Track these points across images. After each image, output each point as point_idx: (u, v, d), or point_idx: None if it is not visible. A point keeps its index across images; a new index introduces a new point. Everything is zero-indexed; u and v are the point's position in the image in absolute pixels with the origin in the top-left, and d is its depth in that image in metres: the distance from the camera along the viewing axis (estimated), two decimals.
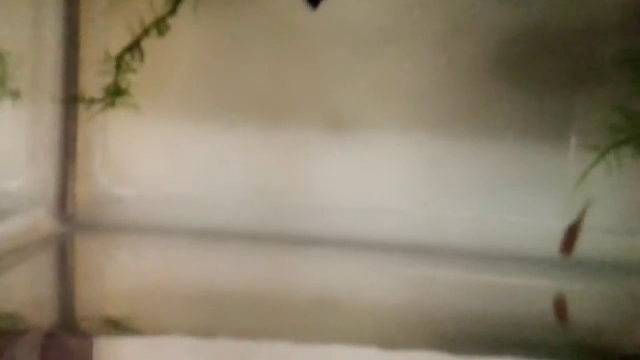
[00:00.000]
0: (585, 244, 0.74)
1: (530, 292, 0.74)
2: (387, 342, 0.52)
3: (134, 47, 0.72)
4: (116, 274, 0.76)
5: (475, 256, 0.77)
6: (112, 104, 0.74)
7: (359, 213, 0.80)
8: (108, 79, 0.74)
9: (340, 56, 0.79)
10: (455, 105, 0.78)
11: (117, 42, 0.74)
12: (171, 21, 0.72)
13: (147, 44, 0.73)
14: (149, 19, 0.72)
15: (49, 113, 0.78)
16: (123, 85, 0.74)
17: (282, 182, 0.81)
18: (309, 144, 0.81)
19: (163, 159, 0.81)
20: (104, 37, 0.77)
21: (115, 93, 0.74)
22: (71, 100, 0.77)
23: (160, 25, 0.71)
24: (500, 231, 0.78)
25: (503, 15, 0.75)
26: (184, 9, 0.72)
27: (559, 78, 0.77)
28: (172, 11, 0.70)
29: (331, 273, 0.77)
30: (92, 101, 0.74)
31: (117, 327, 0.53)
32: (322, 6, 0.71)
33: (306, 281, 0.75)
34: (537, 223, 0.77)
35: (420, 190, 0.79)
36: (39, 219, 0.77)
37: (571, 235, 0.74)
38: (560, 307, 0.73)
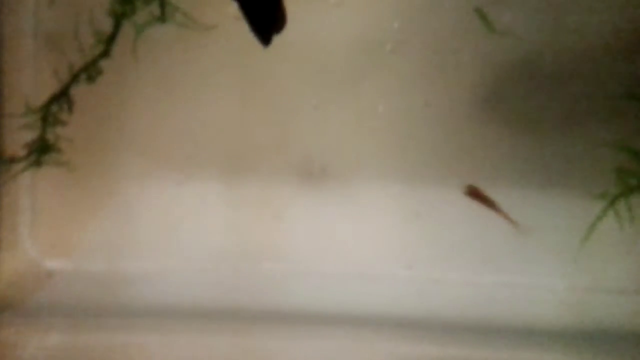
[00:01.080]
0: (596, 309, 0.64)
1: None
2: None
3: (62, 96, 0.62)
4: None
5: (469, 327, 0.66)
6: (38, 163, 0.63)
7: (334, 280, 0.68)
8: (33, 134, 0.63)
9: (308, 97, 0.69)
10: (438, 151, 0.68)
11: (44, 91, 0.64)
12: (105, 64, 0.62)
13: (78, 92, 0.63)
14: (79, 64, 0.62)
15: None
16: (51, 140, 0.63)
17: (246, 246, 0.70)
18: (275, 198, 0.70)
19: (103, 224, 0.69)
20: (30, 86, 0.66)
21: (41, 150, 0.62)
22: None
23: (90, 70, 0.60)
24: (497, 296, 0.67)
25: (489, 47, 0.66)
26: (119, 50, 0.62)
27: (554, 117, 0.67)
28: (105, 53, 0.60)
29: (305, 353, 0.65)
30: (14, 159, 0.63)
31: None
32: (286, 42, 0.61)
33: None
34: (539, 285, 0.66)
35: (402, 251, 0.69)
36: None
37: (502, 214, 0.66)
38: None
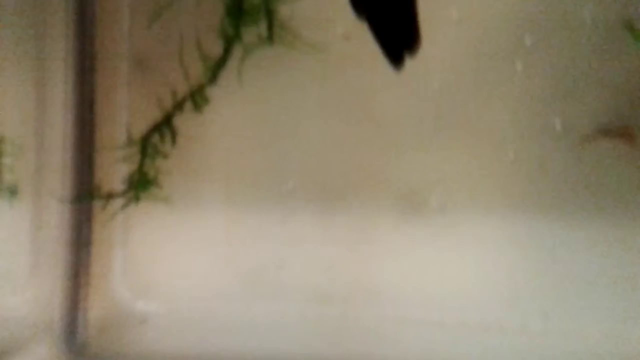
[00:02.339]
0: None
1: None
2: None
3: (164, 125, 0.56)
4: None
5: None
6: (136, 199, 0.58)
7: (452, 332, 0.61)
8: (131, 167, 0.58)
9: (422, 126, 0.62)
10: (574, 182, 0.60)
11: (142, 120, 0.58)
12: (210, 92, 0.56)
13: (180, 121, 0.57)
14: (182, 90, 0.56)
15: (55, 213, 0.61)
16: (150, 174, 0.57)
17: (349, 289, 0.63)
18: (377, 237, 0.63)
19: (201, 264, 0.63)
20: (126, 115, 0.61)
21: (140, 185, 0.57)
22: (84, 196, 0.60)
23: (197, 98, 0.55)
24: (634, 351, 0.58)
25: (634, 64, 0.58)
26: (225, 77, 0.56)
27: None
28: (212, 79, 0.54)
29: None
30: (110, 196, 0.58)
31: None
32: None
33: None
34: None
35: (535, 298, 0.61)
36: (41, 353, 0.59)
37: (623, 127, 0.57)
38: None
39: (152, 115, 0.58)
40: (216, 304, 0.63)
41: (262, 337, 0.62)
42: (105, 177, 0.61)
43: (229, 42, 0.53)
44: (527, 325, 0.60)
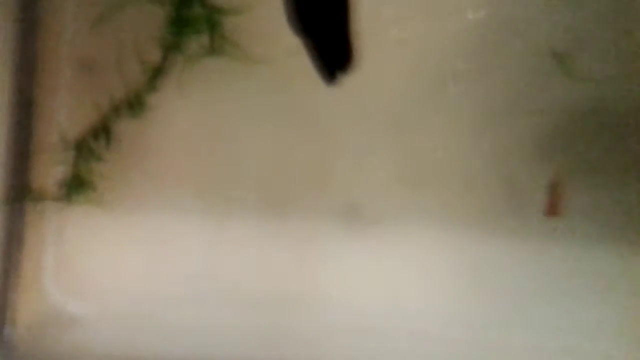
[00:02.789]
0: None
1: None
2: None
3: (101, 129, 0.57)
4: None
5: None
6: (69, 201, 0.58)
7: (381, 338, 0.63)
8: (67, 170, 0.58)
9: (361, 139, 0.64)
10: (501, 199, 0.63)
11: (81, 123, 0.59)
12: (152, 99, 0.57)
13: (120, 126, 0.58)
14: (121, 95, 0.57)
15: None
16: (85, 176, 0.58)
17: (288, 297, 0.64)
18: (316, 245, 0.64)
19: (135, 266, 0.64)
20: (65, 117, 0.61)
21: (73, 187, 0.57)
22: (17, 195, 0.60)
23: (134, 104, 0.55)
24: None
25: (563, 93, 0.61)
26: (168, 85, 0.57)
27: (617, 169, 0.62)
28: (151, 86, 0.55)
29: None
30: (43, 197, 0.58)
31: None
32: (342, 82, 0.56)
33: None
34: (608, 354, 0.60)
35: (460, 308, 0.63)
36: None
37: (554, 193, 0.60)
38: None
39: (91, 118, 0.59)
40: (148, 306, 0.63)
41: (193, 341, 0.63)
42: (40, 178, 0.61)
43: (168, 50, 0.54)
44: (451, 334, 0.62)
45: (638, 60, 0.60)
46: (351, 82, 0.61)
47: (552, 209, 0.62)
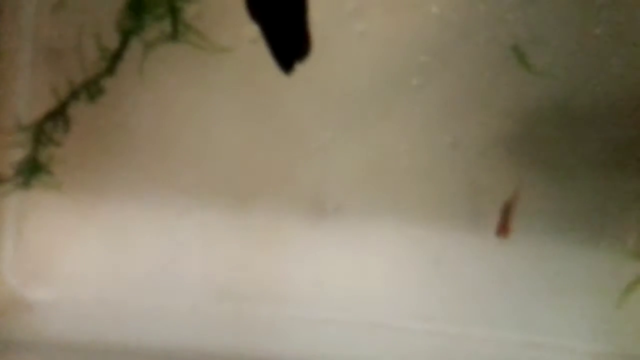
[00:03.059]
0: None
1: None
2: None
3: (58, 114, 0.56)
4: None
5: None
6: (26, 185, 0.57)
7: (340, 329, 0.63)
8: (23, 153, 0.57)
9: (325, 130, 0.64)
10: (462, 194, 0.63)
11: (41, 107, 0.58)
12: (107, 83, 0.56)
13: (76, 110, 0.58)
14: (79, 79, 0.57)
15: None
16: (42, 160, 0.57)
17: (249, 288, 0.64)
18: (282, 237, 0.64)
19: (95, 252, 0.63)
20: (24, 101, 0.61)
21: (31, 170, 0.57)
22: None
23: (92, 88, 0.55)
24: (522, 356, 0.61)
25: (523, 87, 0.61)
26: (124, 68, 0.57)
27: (586, 165, 0.63)
28: (109, 71, 0.55)
29: None
30: (0, 180, 0.58)
31: None
32: (304, 70, 0.56)
33: None
34: (567, 347, 0.61)
35: (418, 300, 0.63)
36: None
37: (506, 215, 0.61)
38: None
39: (49, 103, 0.58)
40: (107, 294, 0.63)
41: (153, 329, 0.63)
42: None
43: (127, 35, 0.53)
44: (411, 325, 0.62)
45: (597, 55, 0.61)
46: (314, 72, 0.61)
47: (503, 230, 0.62)
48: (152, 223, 0.63)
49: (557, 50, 0.60)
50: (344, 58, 0.63)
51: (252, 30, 0.63)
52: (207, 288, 0.64)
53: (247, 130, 0.64)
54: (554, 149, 0.62)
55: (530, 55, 0.60)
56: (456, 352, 0.62)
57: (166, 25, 0.58)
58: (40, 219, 0.62)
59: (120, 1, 0.57)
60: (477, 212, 0.63)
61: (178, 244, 0.64)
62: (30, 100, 0.60)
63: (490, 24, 0.61)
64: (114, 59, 0.54)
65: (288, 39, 0.50)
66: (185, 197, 0.64)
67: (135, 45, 0.58)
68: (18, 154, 0.58)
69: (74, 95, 0.55)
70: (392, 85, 0.63)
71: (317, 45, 0.56)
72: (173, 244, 0.64)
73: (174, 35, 0.57)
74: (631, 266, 0.59)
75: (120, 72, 0.57)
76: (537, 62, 0.60)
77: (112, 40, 0.58)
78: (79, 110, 0.58)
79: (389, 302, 0.63)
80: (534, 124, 0.62)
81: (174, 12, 0.57)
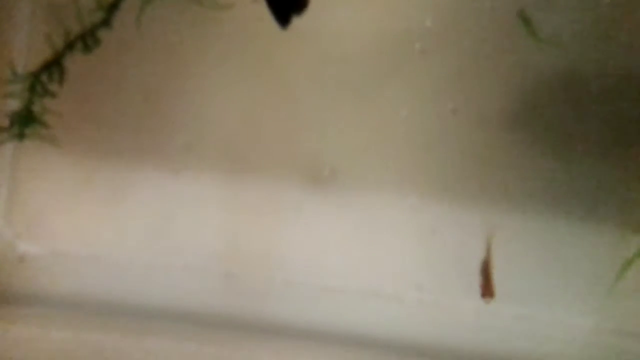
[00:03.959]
0: (622, 354, 0.58)
1: None
2: None
3: (54, 65, 0.56)
4: None
5: None
6: (20, 136, 0.57)
7: (333, 295, 0.62)
8: (18, 104, 0.57)
9: (325, 93, 0.63)
10: (462, 164, 0.62)
11: (36, 59, 0.57)
12: (104, 35, 0.56)
13: (72, 63, 0.57)
14: (77, 30, 0.56)
15: None
16: (36, 111, 0.57)
17: (242, 250, 0.64)
18: (278, 201, 0.64)
19: (86, 208, 0.63)
20: (21, 52, 0.60)
21: (25, 121, 0.56)
22: None
23: (88, 40, 0.54)
24: (515, 329, 0.60)
25: (529, 55, 0.60)
26: (121, 19, 0.56)
27: (592, 139, 0.61)
28: (105, 22, 0.54)
29: None
30: None
31: None
32: (306, 32, 0.55)
33: None
34: (561, 322, 0.60)
35: (412, 270, 0.62)
36: None
37: (485, 276, 0.60)
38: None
39: (45, 53, 0.58)
40: (99, 249, 0.62)
41: (144, 287, 0.62)
42: None
43: None
44: (402, 294, 0.62)
45: (605, 23, 0.59)
46: (314, 34, 0.60)
47: (487, 291, 0.61)
48: (147, 180, 0.63)
49: (564, 17, 0.59)
50: (346, 20, 0.61)
51: None
52: (200, 249, 0.64)
53: (245, 88, 0.63)
54: (557, 120, 0.60)
55: (536, 22, 0.59)
56: (449, 322, 0.61)
57: None
58: (35, 172, 0.62)
59: None
60: (475, 181, 0.62)
61: (173, 203, 0.63)
62: (27, 51, 0.59)
63: None
64: (110, 10, 0.53)
65: None
66: (182, 155, 0.63)
67: None
68: (14, 105, 0.57)
69: (70, 45, 0.54)
70: (395, 48, 0.61)
71: (317, 5, 0.55)
72: (168, 203, 0.63)
73: None
74: (631, 242, 0.57)
75: (118, 24, 0.56)
76: (543, 29, 0.59)
77: None
78: (75, 63, 0.57)
79: (383, 270, 0.63)
80: (537, 94, 0.60)
81: None
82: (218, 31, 0.61)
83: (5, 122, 0.57)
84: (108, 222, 0.63)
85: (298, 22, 0.57)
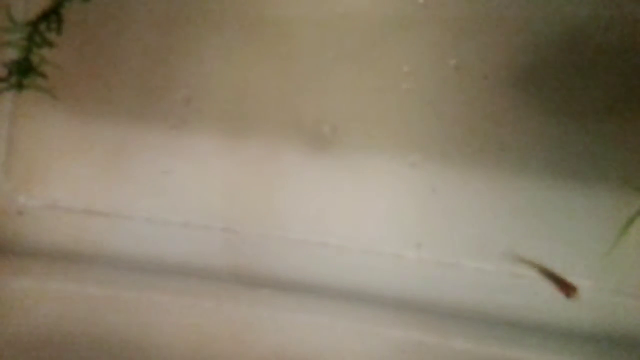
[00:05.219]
0: (621, 313, 0.58)
1: None
2: None
3: (52, 13, 0.55)
4: (12, 312, 0.58)
5: (478, 319, 0.60)
6: (19, 86, 0.56)
7: (334, 253, 0.62)
8: (16, 53, 0.56)
9: (325, 50, 0.62)
10: (463, 122, 0.62)
11: (32, 7, 0.57)
12: None
13: (71, 13, 0.56)
14: None
15: None
16: (35, 61, 0.56)
17: (243, 207, 0.63)
18: (278, 159, 0.63)
19: (86, 163, 0.63)
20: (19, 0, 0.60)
21: (23, 71, 0.56)
22: None
23: None
24: (514, 288, 0.60)
25: (533, 12, 0.59)
26: None
27: (598, 99, 0.60)
28: None
29: (299, 326, 0.59)
30: None
31: None
32: None
33: (267, 335, 0.59)
34: None
35: (412, 228, 0.62)
36: None
37: (553, 279, 0.59)
38: None
39: (46, 4, 0.57)
40: (97, 203, 0.62)
41: (141, 242, 0.62)
42: None
43: None
44: (402, 252, 0.62)
45: None
46: None
47: (567, 289, 0.59)
48: (147, 134, 0.62)
49: None
50: None
51: None
52: (200, 205, 0.63)
53: (246, 44, 0.62)
54: (561, 77, 0.60)
55: None
56: (448, 280, 0.61)
57: None
58: (34, 125, 0.62)
59: None
60: (476, 139, 0.61)
61: (172, 158, 0.63)
62: (25, 0, 0.58)
63: None
64: None
65: None
66: (181, 109, 0.62)
67: None
68: (12, 54, 0.57)
69: None
70: (397, 4, 0.60)
71: None
72: (167, 158, 0.63)
73: None
74: (632, 202, 0.57)
75: None
76: None
77: None
78: (74, 13, 0.57)
79: (383, 229, 0.63)
80: (542, 50, 0.59)
81: None
82: None
83: (4, 73, 0.57)
84: (107, 175, 0.63)
85: None
